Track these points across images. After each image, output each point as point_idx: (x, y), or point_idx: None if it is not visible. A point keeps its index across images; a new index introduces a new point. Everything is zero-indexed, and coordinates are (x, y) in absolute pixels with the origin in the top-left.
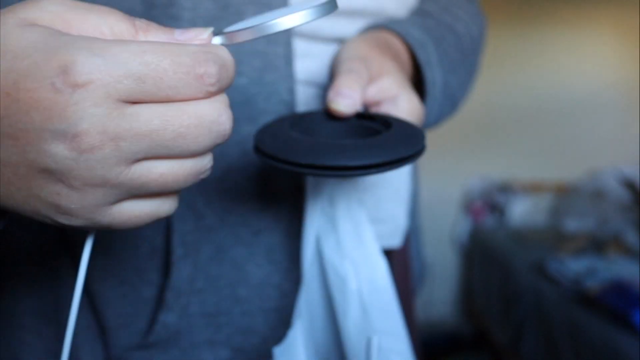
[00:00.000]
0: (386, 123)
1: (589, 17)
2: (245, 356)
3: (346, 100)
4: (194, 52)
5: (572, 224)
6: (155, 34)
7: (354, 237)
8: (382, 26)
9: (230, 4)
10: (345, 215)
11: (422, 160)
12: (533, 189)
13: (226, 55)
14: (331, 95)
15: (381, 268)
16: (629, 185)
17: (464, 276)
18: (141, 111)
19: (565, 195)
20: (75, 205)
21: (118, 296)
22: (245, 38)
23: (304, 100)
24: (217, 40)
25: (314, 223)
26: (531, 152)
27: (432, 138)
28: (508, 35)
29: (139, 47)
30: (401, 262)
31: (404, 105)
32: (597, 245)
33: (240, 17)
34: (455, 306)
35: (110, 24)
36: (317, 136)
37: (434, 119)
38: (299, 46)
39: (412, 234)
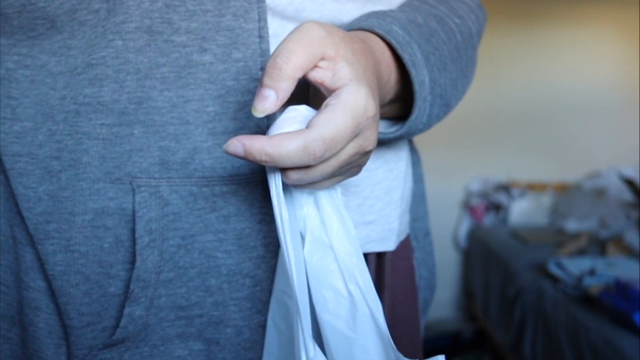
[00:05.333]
0: None
1: (589, 17)
2: (219, 348)
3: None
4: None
5: (573, 224)
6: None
7: (353, 256)
8: (361, 27)
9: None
10: (340, 233)
11: (423, 160)
12: (533, 189)
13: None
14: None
15: (375, 294)
16: (630, 183)
17: (464, 276)
18: None
19: (565, 195)
20: None
21: (82, 294)
22: None
23: None
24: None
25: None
26: (531, 152)
27: (433, 138)
28: (509, 36)
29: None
30: (404, 268)
31: (346, 98)
32: (597, 245)
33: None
34: (455, 306)
35: None
36: None
37: (425, 120)
38: (273, 24)
39: (422, 238)
